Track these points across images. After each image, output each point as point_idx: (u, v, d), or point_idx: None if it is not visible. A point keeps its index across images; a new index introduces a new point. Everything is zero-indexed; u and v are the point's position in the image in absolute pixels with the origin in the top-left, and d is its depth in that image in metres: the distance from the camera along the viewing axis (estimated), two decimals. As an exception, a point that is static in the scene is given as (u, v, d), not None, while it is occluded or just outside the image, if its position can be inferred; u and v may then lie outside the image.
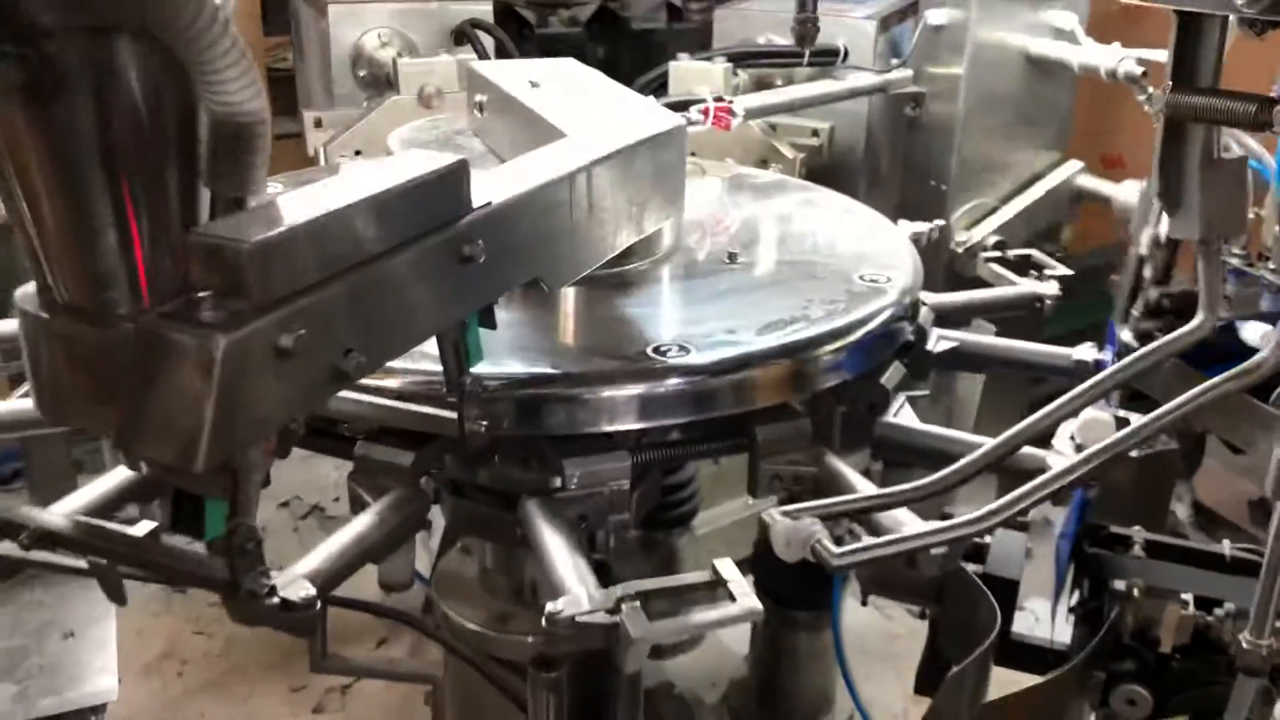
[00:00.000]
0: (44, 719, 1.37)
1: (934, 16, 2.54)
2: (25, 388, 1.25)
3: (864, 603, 1.65)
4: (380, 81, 2.33)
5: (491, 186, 0.96)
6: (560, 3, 4.28)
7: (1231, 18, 0.90)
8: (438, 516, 1.92)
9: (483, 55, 2.43)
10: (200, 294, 0.74)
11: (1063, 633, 1.41)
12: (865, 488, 1.22)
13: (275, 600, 0.98)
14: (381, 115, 2.12)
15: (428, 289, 0.88)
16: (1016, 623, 1.45)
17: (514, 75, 1.47)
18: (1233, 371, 1.12)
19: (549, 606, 0.98)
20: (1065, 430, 1.32)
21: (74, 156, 0.75)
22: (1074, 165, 2.89)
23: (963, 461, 1.16)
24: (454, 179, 0.89)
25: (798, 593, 1.85)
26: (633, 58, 4.06)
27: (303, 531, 2.76)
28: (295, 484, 2.94)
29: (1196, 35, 0.95)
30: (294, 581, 1.00)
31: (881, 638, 2.35)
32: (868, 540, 1.07)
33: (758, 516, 1.10)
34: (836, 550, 1.01)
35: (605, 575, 1.07)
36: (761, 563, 1.81)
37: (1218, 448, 2.55)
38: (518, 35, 3.21)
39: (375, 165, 0.89)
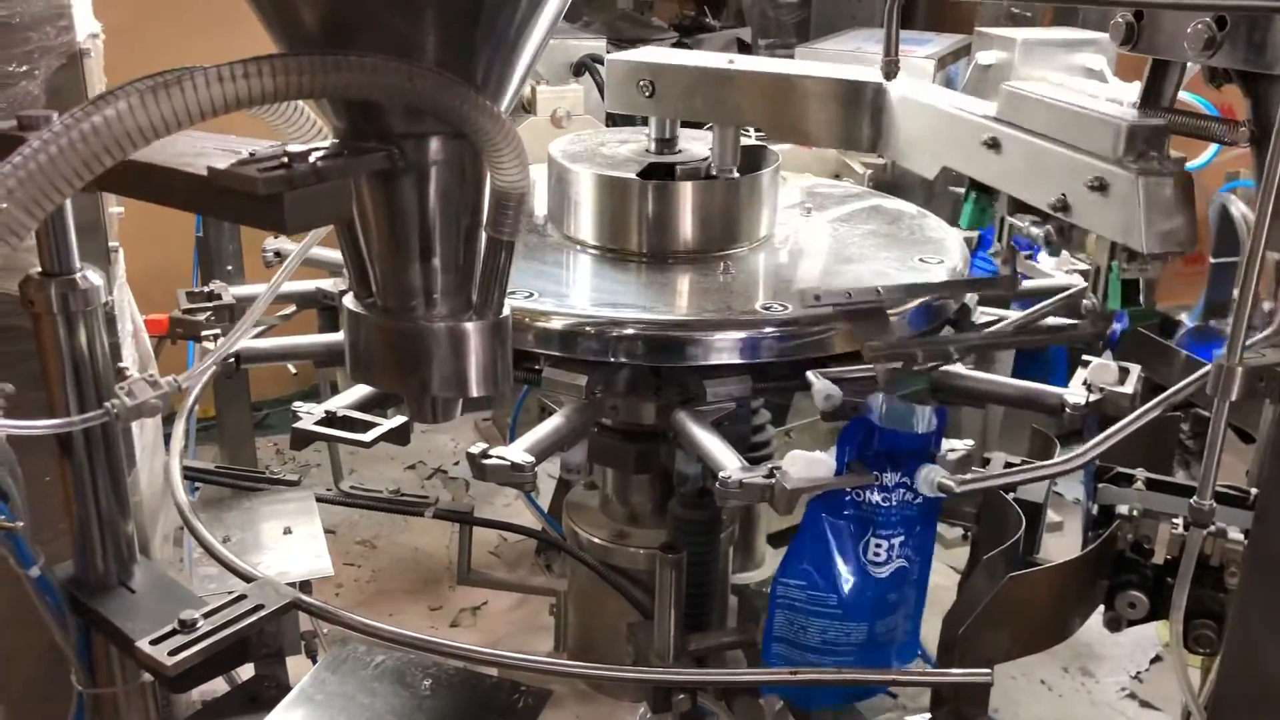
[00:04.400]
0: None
1: (984, 57, 2.87)
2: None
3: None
4: (517, 107, 2.72)
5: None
6: (640, 39, 4.66)
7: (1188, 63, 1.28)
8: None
9: (600, 85, 2.82)
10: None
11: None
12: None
13: (506, 462, 1.38)
14: (522, 133, 2.49)
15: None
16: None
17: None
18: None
19: (721, 474, 1.35)
20: (1079, 377, 1.67)
21: (405, 215, 1.11)
22: None
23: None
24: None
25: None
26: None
27: (428, 489, 3.16)
28: (420, 451, 3.35)
29: (1163, 73, 1.33)
30: (518, 452, 1.40)
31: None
32: (982, 472, 1.39)
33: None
34: (957, 479, 1.34)
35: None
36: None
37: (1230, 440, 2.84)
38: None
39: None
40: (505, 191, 1.07)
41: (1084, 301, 1.55)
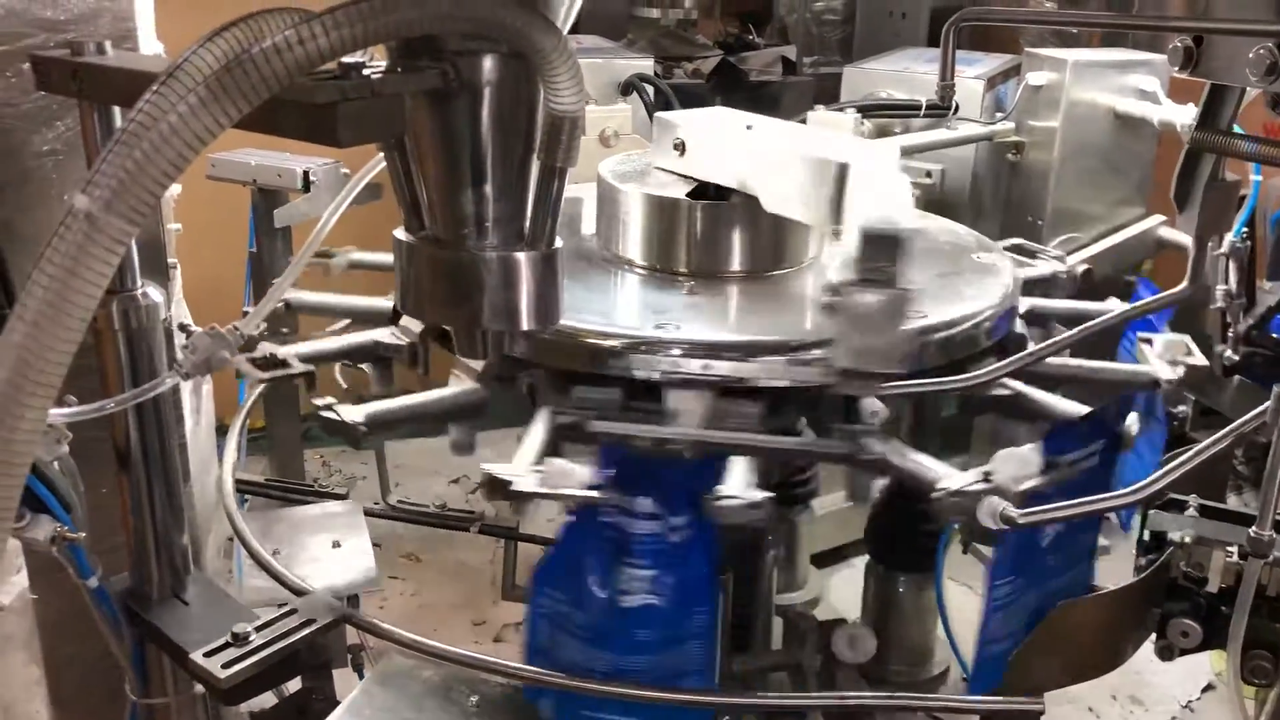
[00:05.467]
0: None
1: (1034, 78, 2.86)
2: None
3: (965, 550, 1.97)
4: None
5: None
6: (685, 56, 4.67)
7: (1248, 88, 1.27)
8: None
9: (648, 104, 2.84)
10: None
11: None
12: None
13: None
14: (570, 153, 2.52)
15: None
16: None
17: (706, 121, 1.87)
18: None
19: (940, 485, 1.31)
20: (1150, 354, 1.62)
21: (457, 138, 1.10)
22: (1157, 218, 3.11)
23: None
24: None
25: (904, 558, 2.11)
26: (749, 108, 4.43)
27: (473, 503, 3.17)
28: (466, 465, 3.36)
29: (1221, 97, 1.32)
30: (746, 489, 1.34)
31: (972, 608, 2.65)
32: (1048, 506, 1.33)
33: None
34: (1019, 513, 1.28)
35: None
36: (872, 534, 2.14)
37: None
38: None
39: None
40: (560, 116, 1.05)
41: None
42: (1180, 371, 1.52)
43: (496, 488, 1.30)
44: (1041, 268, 2.03)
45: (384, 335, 1.83)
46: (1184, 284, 1.54)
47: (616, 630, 1.36)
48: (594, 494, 1.31)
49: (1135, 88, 2.89)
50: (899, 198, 1.43)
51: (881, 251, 1.14)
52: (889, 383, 1.19)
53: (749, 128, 1.81)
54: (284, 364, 1.49)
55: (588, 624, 1.37)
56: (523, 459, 1.37)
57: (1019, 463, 1.28)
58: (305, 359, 1.65)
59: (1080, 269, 2.05)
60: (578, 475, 1.31)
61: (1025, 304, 1.84)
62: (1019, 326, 1.79)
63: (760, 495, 1.32)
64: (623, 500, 1.31)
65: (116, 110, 1.28)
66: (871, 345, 1.10)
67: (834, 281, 1.18)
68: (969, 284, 1.77)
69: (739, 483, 1.35)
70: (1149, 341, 1.59)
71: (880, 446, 1.45)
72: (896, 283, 1.06)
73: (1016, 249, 2.09)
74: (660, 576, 1.34)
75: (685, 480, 1.33)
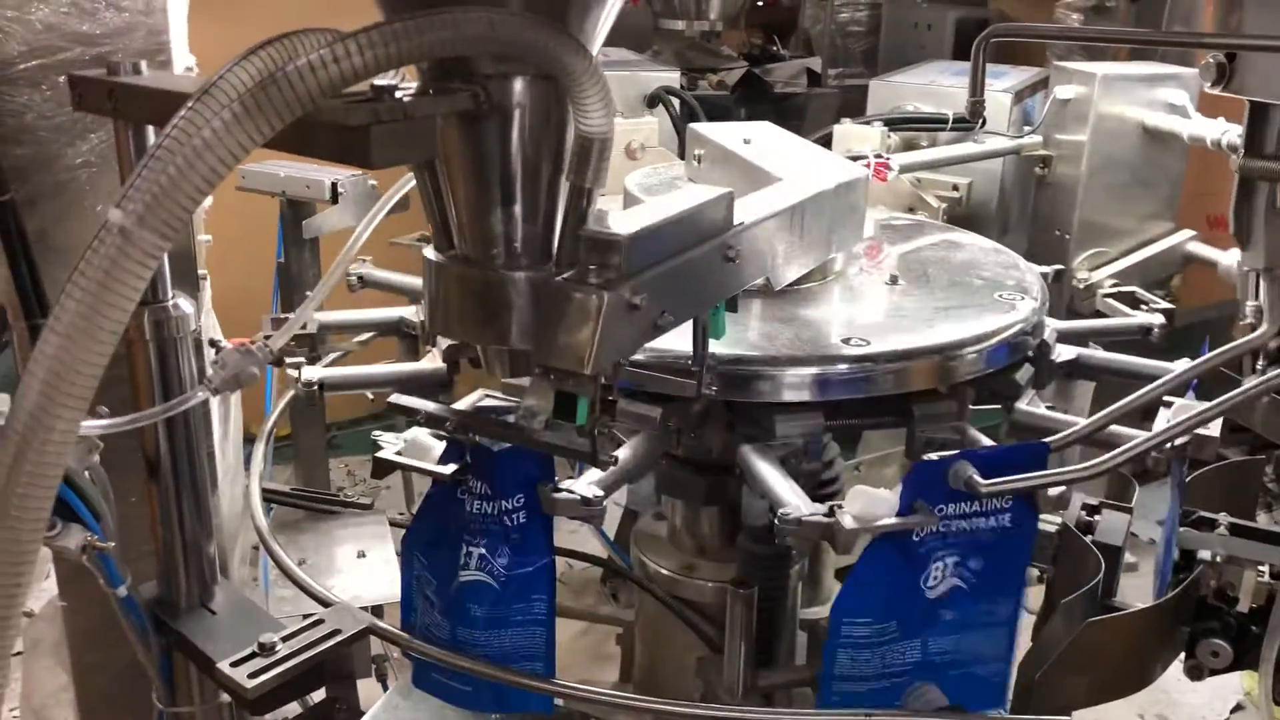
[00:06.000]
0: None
1: (1062, 92, 2.86)
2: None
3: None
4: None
5: (742, 210, 1.36)
6: (710, 68, 4.68)
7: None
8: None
9: (674, 117, 2.84)
10: (588, 265, 1.11)
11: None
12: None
13: (576, 496, 1.38)
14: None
15: (706, 276, 1.27)
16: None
17: (728, 134, 1.87)
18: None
19: (780, 511, 1.34)
20: (1162, 418, 1.63)
21: (487, 159, 1.10)
22: (1187, 233, 3.10)
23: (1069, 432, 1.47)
24: (726, 203, 1.29)
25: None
26: (774, 120, 4.44)
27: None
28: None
29: (1264, 117, 1.30)
30: (588, 486, 1.41)
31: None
32: (1018, 476, 1.33)
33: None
34: (984, 483, 1.30)
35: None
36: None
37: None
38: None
39: (675, 195, 1.29)
40: (589, 137, 1.06)
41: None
42: (1179, 441, 1.50)
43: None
44: (1140, 318, 2.01)
45: (408, 312, 1.85)
46: (1265, 327, 1.50)
47: (453, 602, 1.44)
48: (441, 470, 1.38)
49: (1164, 101, 2.88)
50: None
51: (600, 255, 1.16)
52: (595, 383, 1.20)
53: (746, 141, 1.81)
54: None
55: (434, 591, 1.46)
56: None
57: (867, 502, 1.30)
58: (330, 328, 1.74)
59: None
60: (434, 451, 1.39)
61: (1069, 353, 1.82)
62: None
63: (595, 493, 1.38)
64: (466, 480, 1.39)
65: (149, 126, 1.29)
66: (567, 343, 1.11)
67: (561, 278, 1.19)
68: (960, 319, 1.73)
69: (585, 479, 1.42)
70: (1169, 404, 1.58)
71: (756, 460, 1.49)
72: (615, 287, 1.10)
73: (1128, 298, 2.09)
74: (494, 557, 1.41)
75: (524, 469, 1.38)
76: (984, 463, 1.32)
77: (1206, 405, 1.39)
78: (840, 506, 1.31)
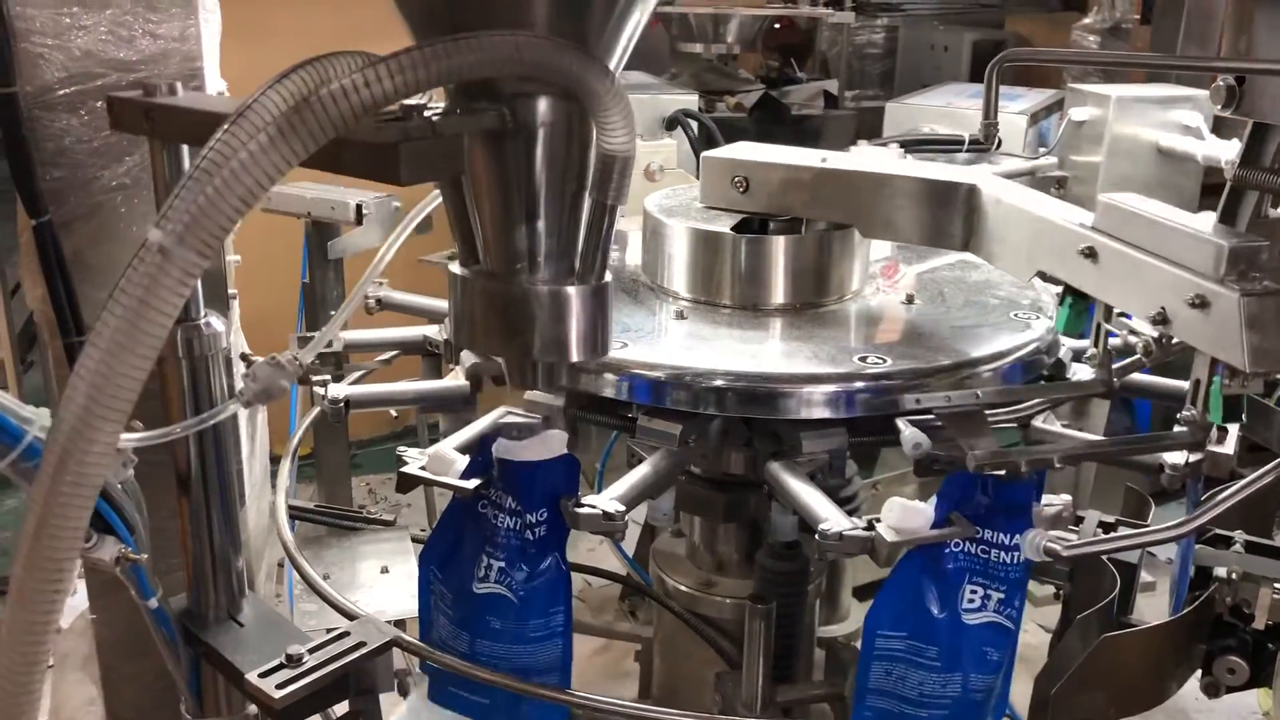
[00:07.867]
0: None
1: (1078, 114, 2.88)
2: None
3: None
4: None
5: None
6: (727, 90, 4.72)
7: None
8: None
9: (692, 139, 2.88)
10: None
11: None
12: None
13: (598, 510, 1.41)
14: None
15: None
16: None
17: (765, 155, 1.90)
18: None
19: (821, 527, 1.34)
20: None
21: (512, 177, 1.14)
22: None
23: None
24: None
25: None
26: (791, 142, 4.47)
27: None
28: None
29: (1264, 135, 1.33)
30: (609, 501, 1.43)
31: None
32: (1090, 538, 1.41)
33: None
34: (1068, 543, 1.33)
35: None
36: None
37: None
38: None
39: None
40: (611, 155, 1.09)
41: (1182, 413, 1.52)
42: (1192, 459, 1.52)
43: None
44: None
45: (432, 331, 1.88)
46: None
47: (472, 615, 1.46)
48: (465, 484, 1.41)
49: (1179, 123, 2.90)
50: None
51: (1252, 263, 1.21)
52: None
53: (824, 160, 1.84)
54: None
55: (453, 604, 1.48)
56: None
57: (904, 513, 1.32)
58: (354, 346, 1.78)
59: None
60: (456, 465, 1.42)
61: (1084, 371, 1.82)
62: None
63: (617, 508, 1.40)
64: (489, 493, 1.43)
65: (185, 148, 1.33)
66: (1273, 346, 1.17)
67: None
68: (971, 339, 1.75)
69: (607, 494, 1.44)
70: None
71: (787, 477, 1.50)
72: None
73: None
74: (513, 570, 1.44)
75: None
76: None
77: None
78: (877, 519, 1.33)
